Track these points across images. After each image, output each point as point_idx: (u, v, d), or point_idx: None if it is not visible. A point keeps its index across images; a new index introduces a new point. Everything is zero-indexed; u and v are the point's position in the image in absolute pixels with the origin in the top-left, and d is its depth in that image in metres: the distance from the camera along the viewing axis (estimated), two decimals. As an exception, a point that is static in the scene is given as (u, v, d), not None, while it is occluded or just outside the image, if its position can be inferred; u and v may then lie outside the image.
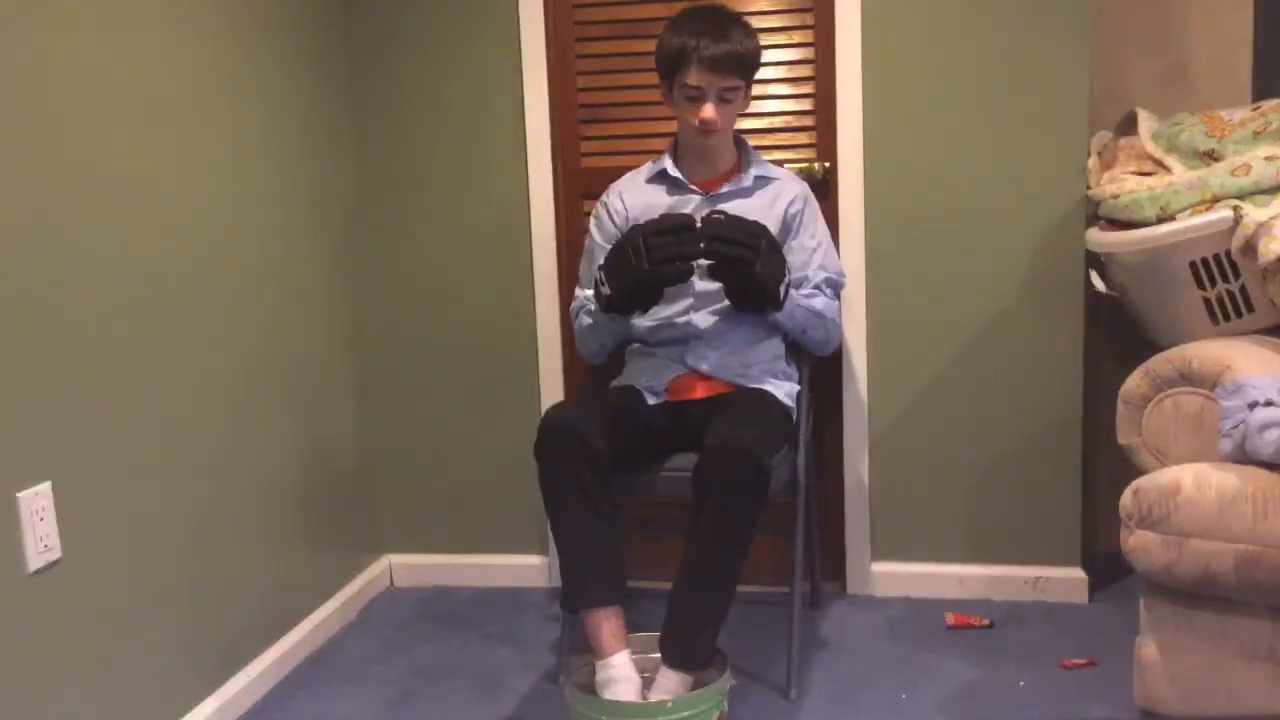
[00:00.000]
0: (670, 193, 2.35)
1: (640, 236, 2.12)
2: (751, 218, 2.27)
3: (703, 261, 2.13)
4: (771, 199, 2.32)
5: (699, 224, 2.12)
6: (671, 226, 2.11)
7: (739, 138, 2.38)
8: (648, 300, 2.24)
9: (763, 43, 2.51)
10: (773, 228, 2.29)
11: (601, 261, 2.27)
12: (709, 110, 2.20)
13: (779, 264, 2.19)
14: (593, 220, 2.42)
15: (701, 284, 2.25)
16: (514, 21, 2.68)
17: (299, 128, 2.55)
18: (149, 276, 2.02)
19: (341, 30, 2.74)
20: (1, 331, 1.68)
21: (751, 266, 2.11)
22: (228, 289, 2.27)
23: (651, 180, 2.37)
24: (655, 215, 2.31)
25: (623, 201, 2.37)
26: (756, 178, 2.33)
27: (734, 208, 2.29)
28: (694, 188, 2.33)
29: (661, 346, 2.34)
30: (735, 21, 2.22)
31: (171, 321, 2.08)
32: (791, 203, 2.32)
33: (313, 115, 2.61)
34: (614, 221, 2.37)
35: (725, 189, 2.32)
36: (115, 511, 1.93)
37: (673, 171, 2.33)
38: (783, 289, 2.20)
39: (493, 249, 2.79)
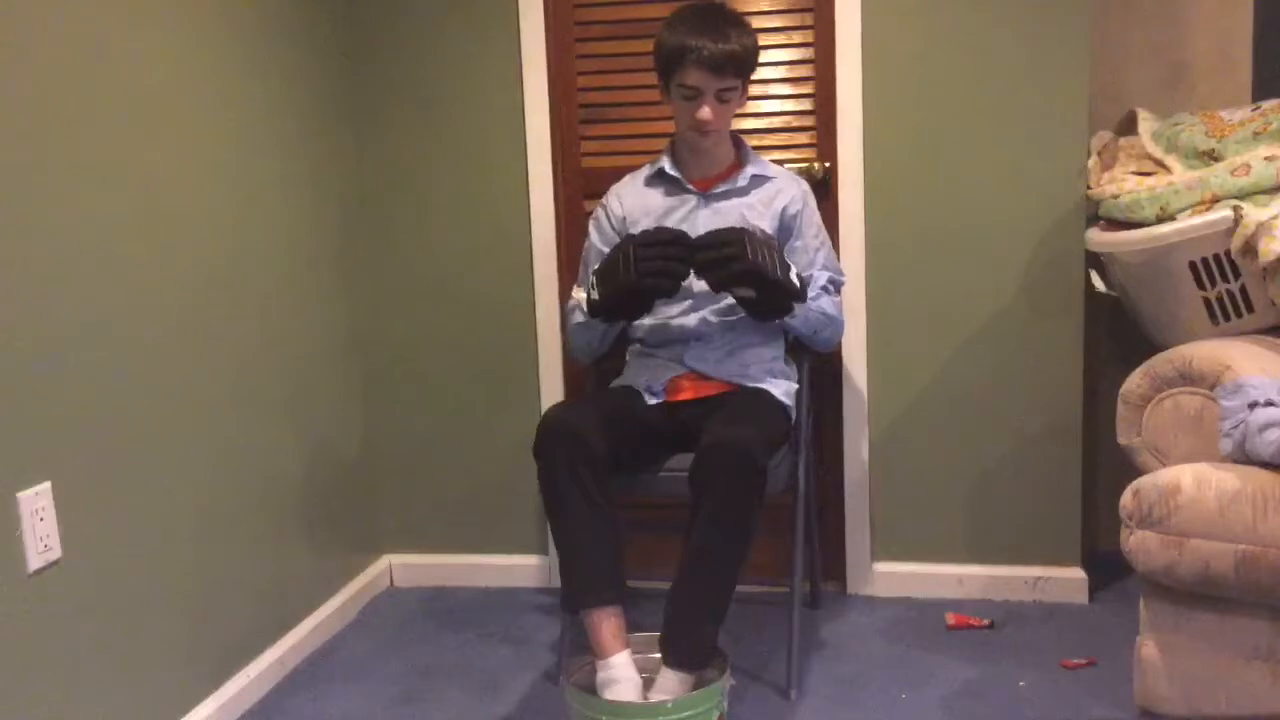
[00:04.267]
0: (668, 193, 2.35)
1: (631, 246, 2.14)
2: (748, 216, 2.29)
3: (698, 284, 2.18)
4: (769, 198, 2.32)
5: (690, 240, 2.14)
6: (662, 240, 2.13)
7: (737, 137, 2.38)
8: (635, 310, 2.25)
9: (763, 43, 2.51)
10: (769, 226, 2.30)
11: (598, 260, 2.32)
12: (706, 111, 2.20)
13: (776, 254, 2.16)
14: (592, 222, 2.42)
15: (700, 285, 2.25)
16: (514, 21, 2.68)
17: (299, 128, 2.55)
18: (149, 276, 2.02)
19: (341, 30, 2.74)
20: (2, 332, 1.68)
21: (743, 259, 2.09)
22: (227, 289, 2.27)
23: (650, 181, 2.38)
24: (652, 216, 2.33)
25: (620, 203, 2.38)
26: (753, 176, 2.33)
27: (731, 206, 2.30)
28: (691, 187, 2.33)
29: (661, 347, 2.34)
30: (733, 20, 2.21)
31: (171, 321, 2.08)
32: (791, 202, 2.32)
33: (313, 115, 2.61)
34: (611, 224, 2.38)
35: (722, 187, 2.32)
36: (115, 511, 1.93)
37: (670, 170, 2.33)
38: (795, 278, 2.19)
39: (493, 249, 2.79)
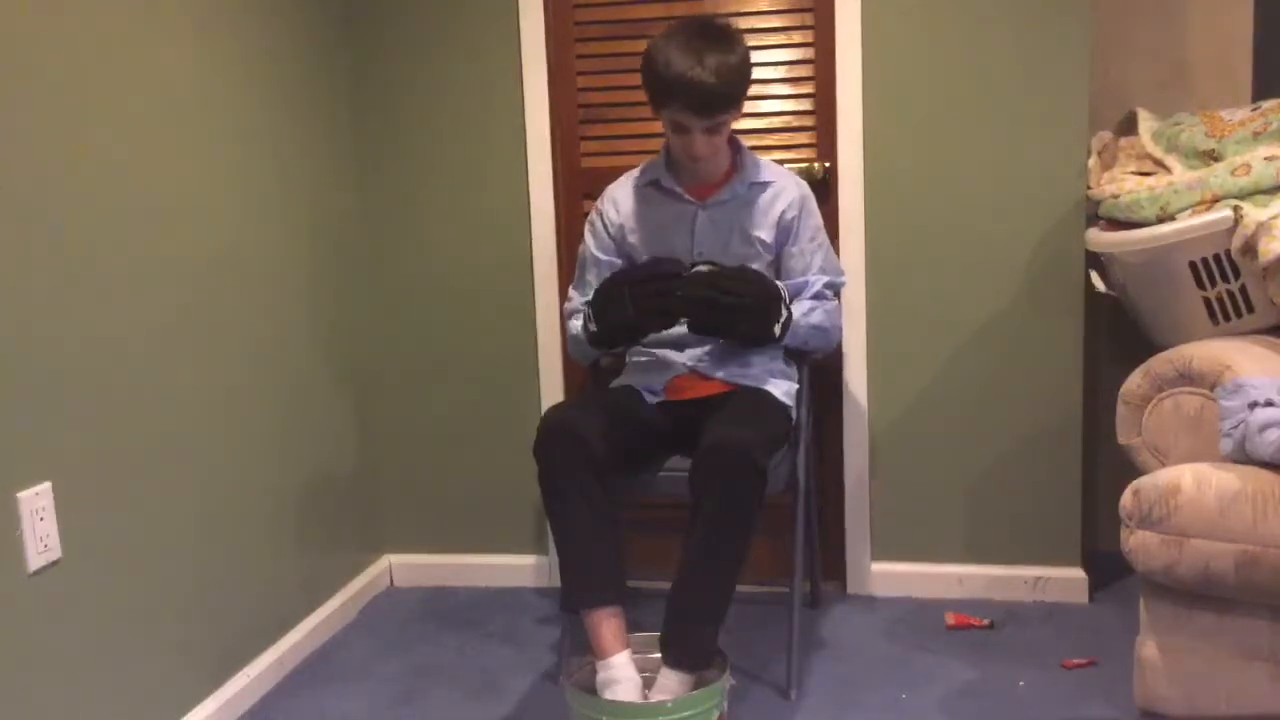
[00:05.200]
0: (664, 201, 2.32)
1: (627, 286, 2.14)
2: (745, 225, 2.28)
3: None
4: (767, 205, 2.29)
5: (689, 270, 2.14)
6: (659, 275, 2.14)
7: (734, 139, 2.33)
8: (634, 340, 2.28)
9: (763, 43, 2.52)
10: (768, 234, 2.29)
11: (594, 266, 2.35)
12: (697, 148, 2.17)
13: (770, 307, 2.17)
14: (587, 226, 2.40)
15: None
16: (514, 22, 2.68)
17: (299, 129, 2.55)
18: (149, 277, 2.02)
19: (342, 31, 2.74)
20: (1, 332, 1.68)
21: (734, 316, 2.12)
22: (228, 289, 2.27)
23: (645, 188, 2.34)
24: (649, 226, 2.32)
25: (616, 210, 2.35)
26: (751, 184, 2.29)
27: (727, 214, 2.28)
28: (687, 196, 2.30)
29: (660, 347, 2.34)
30: (721, 44, 2.09)
31: (172, 322, 2.08)
32: (789, 207, 2.29)
33: (313, 115, 2.61)
34: (608, 231, 2.36)
35: (718, 197, 2.29)
36: (115, 511, 1.93)
37: (666, 183, 2.30)
38: (779, 328, 2.20)
39: (493, 249, 2.79)
